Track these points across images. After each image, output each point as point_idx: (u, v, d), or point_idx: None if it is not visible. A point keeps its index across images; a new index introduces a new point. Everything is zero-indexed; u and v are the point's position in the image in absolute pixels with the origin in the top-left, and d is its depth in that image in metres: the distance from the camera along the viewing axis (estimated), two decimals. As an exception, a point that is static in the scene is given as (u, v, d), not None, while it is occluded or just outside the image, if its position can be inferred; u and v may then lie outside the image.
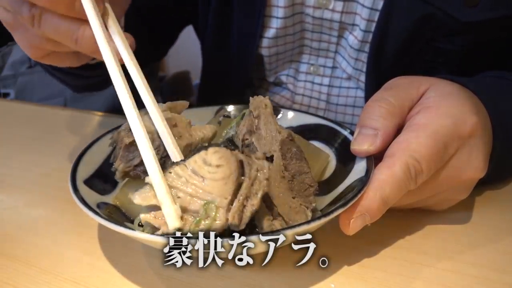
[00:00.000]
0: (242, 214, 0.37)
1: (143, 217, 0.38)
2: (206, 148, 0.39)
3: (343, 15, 0.66)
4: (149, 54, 0.85)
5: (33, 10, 0.41)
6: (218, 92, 0.86)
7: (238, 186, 0.38)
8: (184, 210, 0.37)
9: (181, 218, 0.37)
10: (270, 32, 0.70)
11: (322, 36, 0.70)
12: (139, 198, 0.38)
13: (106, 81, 0.75)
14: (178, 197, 0.38)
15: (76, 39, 0.42)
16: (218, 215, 0.36)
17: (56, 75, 0.68)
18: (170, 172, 0.39)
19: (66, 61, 0.51)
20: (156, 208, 0.38)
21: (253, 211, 0.37)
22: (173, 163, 0.40)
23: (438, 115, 0.44)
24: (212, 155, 0.38)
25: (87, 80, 0.70)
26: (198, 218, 0.37)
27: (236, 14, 0.72)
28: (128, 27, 0.51)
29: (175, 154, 0.42)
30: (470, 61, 0.61)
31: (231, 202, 0.37)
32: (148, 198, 0.38)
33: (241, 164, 0.38)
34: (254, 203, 0.37)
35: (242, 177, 0.38)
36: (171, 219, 0.37)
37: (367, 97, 0.69)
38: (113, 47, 0.42)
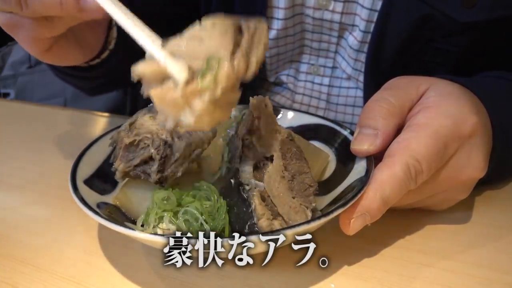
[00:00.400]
0: (248, 61, 0.35)
1: (152, 92, 0.35)
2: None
3: (343, 16, 0.66)
4: None
5: None
6: None
7: (238, 43, 0.35)
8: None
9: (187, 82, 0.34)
10: (271, 33, 0.70)
11: (322, 37, 0.70)
12: (141, 65, 0.36)
13: (109, 84, 0.76)
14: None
15: (60, 3, 0.43)
16: (221, 65, 0.34)
17: (62, 77, 0.70)
18: (167, 43, 0.37)
19: (69, 56, 0.52)
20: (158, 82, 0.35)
21: (258, 58, 0.35)
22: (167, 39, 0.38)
23: (438, 115, 0.44)
24: (206, 20, 0.36)
25: (90, 82, 0.71)
26: (202, 70, 0.34)
27: (237, 15, 0.72)
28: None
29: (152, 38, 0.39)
30: (468, 61, 0.61)
31: (233, 53, 0.35)
32: (150, 63, 0.36)
33: (239, 28, 0.37)
34: (258, 52, 0.35)
35: (241, 37, 0.36)
36: (179, 72, 0.34)
37: (365, 98, 0.69)
38: None
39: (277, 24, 0.69)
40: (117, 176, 0.46)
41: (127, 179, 0.49)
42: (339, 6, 0.65)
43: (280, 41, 0.71)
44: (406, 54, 0.64)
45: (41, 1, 0.43)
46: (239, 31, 0.36)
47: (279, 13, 0.67)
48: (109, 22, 0.59)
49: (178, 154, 0.45)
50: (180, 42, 0.37)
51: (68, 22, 0.47)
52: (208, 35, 0.35)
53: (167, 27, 0.87)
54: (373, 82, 0.66)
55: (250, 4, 0.69)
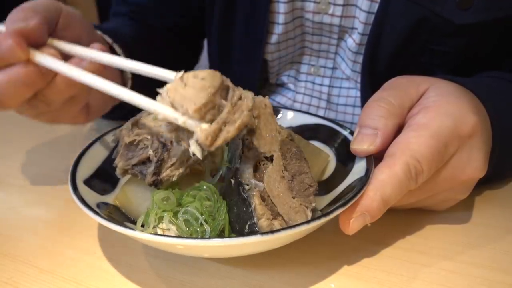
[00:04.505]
0: (216, 137, 0.37)
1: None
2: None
3: (343, 19, 0.66)
4: (182, 63, 0.88)
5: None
6: None
7: (218, 110, 0.38)
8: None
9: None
10: (273, 38, 0.70)
11: (322, 39, 0.70)
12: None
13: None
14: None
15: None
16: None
17: None
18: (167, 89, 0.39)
19: (96, 114, 0.59)
20: None
21: (227, 138, 0.37)
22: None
23: (438, 115, 0.44)
24: (203, 71, 0.39)
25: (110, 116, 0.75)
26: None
27: (239, 20, 0.72)
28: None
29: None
30: (465, 63, 0.61)
31: (204, 118, 0.37)
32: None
33: (226, 88, 0.39)
34: (230, 130, 0.37)
35: (224, 101, 0.38)
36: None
37: (363, 99, 0.69)
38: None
39: (277, 29, 0.69)
40: (117, 172, 0.47)
41: (127, 178, 0.49)
42: (338, 10, 0.65)
43: (282, 45, 0.71)
44: (403, 56, 0.64)
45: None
46: (226, 92, 0.39)
47: (280, 18, 0.68)
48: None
49: (175, 158, 0.45)
50: (178, 86, 0.39)
51: (81, 100, 0.53)
52: (193, 83, 0.38)
53: (175, 39, 0.88)
54: (370, 84, 0.66)
55: (252, 11, 0.69)
